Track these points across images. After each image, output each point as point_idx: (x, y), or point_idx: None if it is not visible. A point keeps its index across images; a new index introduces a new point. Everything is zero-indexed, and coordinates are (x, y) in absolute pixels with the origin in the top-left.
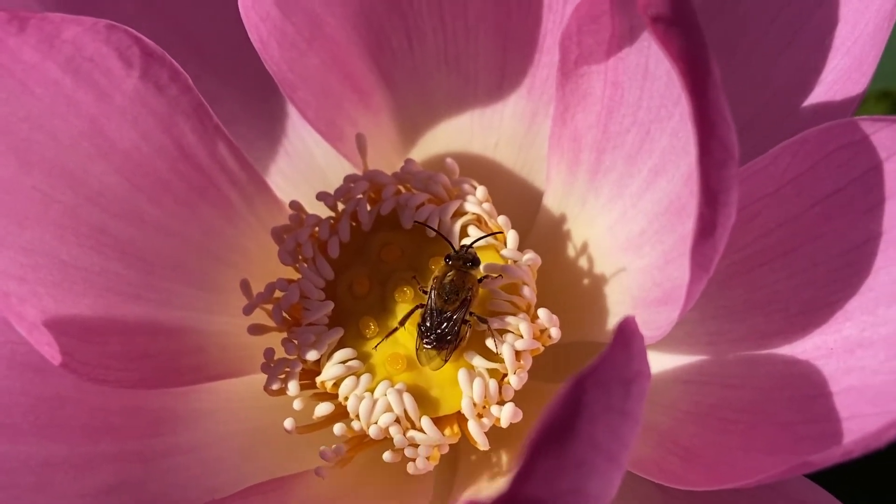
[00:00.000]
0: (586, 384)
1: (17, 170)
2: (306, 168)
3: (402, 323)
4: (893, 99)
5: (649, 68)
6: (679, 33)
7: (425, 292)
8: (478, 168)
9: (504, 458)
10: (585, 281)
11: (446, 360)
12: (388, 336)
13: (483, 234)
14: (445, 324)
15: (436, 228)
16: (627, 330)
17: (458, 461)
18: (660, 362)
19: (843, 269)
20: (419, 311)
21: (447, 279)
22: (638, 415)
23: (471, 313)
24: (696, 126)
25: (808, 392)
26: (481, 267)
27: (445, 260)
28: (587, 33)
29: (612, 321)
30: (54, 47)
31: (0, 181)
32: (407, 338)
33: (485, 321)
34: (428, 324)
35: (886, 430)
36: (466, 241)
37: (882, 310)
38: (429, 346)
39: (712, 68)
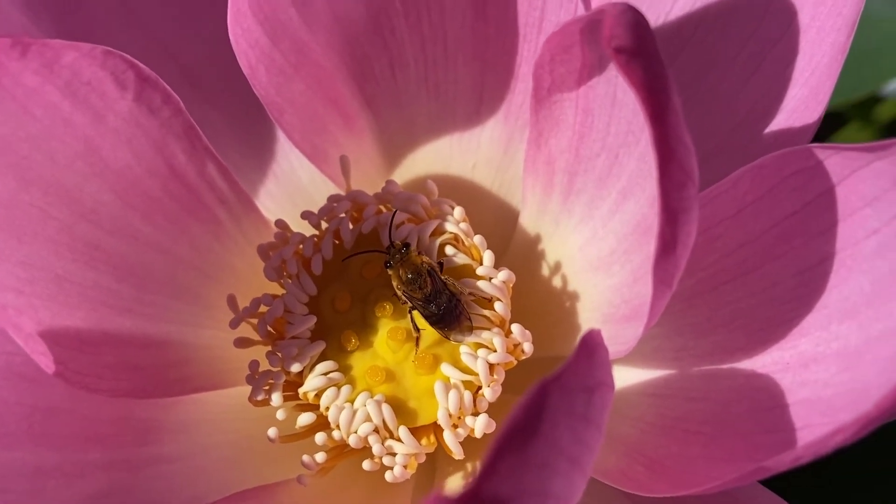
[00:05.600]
0: (549, 389)
1: (15, 187)
2: (293, 189)
3: (417, 329)
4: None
5: (617, 97)
6: (640, 64)
7: (405, 302)
8: (457, 189)
9: (479, 466)
10: (559, 298)
11: (472, 322)
12: (417, 345)
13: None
14: (439, 300)
15: (361, 250)
16: (591, 342)
17: (436, 470)
18: (629, 376)
19: (799, 288)
20: (415, 312)
21: (403, 276)
22: (600, 422)
23: (444, 279)
24: (656, 150)
25: (766, 404)
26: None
27: (386, 266)
28: (559, 63)
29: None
30: (54, 72)
31: None
32: (386, 351)
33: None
34: (433, 310)
35: (832, 436)
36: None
37: (834, 326)
38: (444, 326)
39: (672, 96)
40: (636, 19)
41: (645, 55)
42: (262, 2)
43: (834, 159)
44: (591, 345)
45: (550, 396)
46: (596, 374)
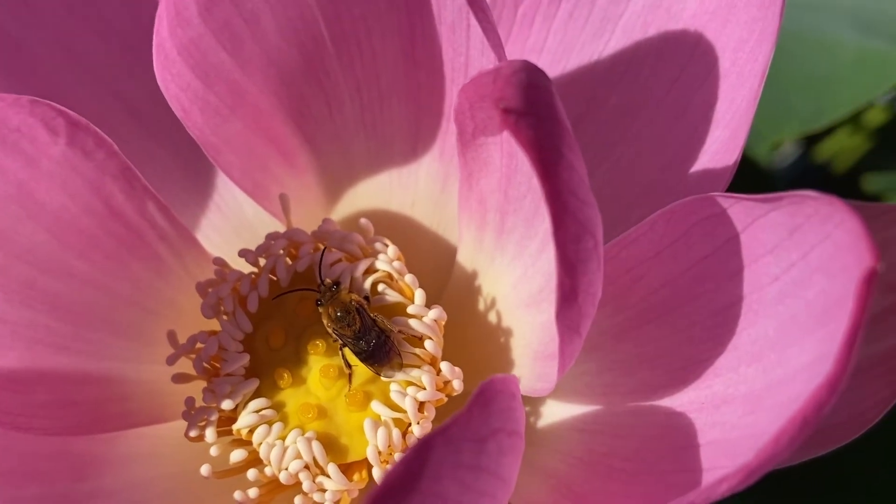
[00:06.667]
0: (434, 443)
1: None
2: (238, 223)
3: (348, 366)
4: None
5: None
6: (530, 123)
7: (336, 340)
8: (397, 226)
9: None
10: (494, 334)
11: (402, 358)
12: (350, 381)
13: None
14: (368, 337)
15: (295, 288)
16: (489, 390)
17: None
18: (560, 411)
19: (714, 329)
20: (346, 349)
21: (332, 314)
22: (498, 469)
23: (374, 317)
24: (548, 205)
25: (681, 443)
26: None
27: (317, 304)
28: (478, 109)
29: (516, 372)
30: None
31: None
32: (319, 388)
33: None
34: (362, 347)
35: (718, 484)
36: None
37: (743, 368)
38: (374, 363)
39: (564, 153)
40: (528, 79)
41: (535, 115)
42: (191, 47)
43: (736, 208)
44: (490, 393)
45: (435, 450)
46: (491, 423)
